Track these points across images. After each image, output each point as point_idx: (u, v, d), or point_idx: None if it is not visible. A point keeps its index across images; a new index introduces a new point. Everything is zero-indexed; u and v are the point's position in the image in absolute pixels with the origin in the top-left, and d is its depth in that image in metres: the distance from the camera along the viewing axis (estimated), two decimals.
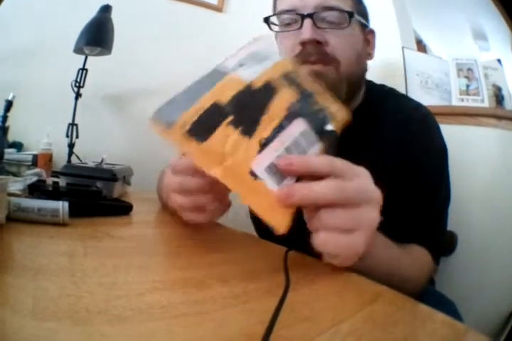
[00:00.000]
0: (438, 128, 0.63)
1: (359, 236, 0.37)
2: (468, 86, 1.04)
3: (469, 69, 1.03)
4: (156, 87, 1.41)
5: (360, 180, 0.37)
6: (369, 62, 0.66)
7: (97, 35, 1.18)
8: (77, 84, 1.23)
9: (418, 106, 0.65)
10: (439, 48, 1.18)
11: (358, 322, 0.31)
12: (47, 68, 1.29)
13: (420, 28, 1.16)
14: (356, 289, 0.39)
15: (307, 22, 0.54)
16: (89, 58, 1.24)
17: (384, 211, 0.39)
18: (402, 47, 1.11)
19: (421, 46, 1.17)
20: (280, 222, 0.35)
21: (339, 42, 0.54)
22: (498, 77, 1.01)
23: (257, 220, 0.77)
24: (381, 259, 0.44)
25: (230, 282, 0.38)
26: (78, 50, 1.20)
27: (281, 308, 0.31)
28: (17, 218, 0.50)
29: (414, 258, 0.53)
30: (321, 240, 0.37)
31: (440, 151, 0.62)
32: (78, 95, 1.24)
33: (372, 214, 0.38)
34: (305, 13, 0.55)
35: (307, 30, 0.53)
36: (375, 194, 0.38)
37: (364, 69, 0.65)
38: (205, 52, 1.45)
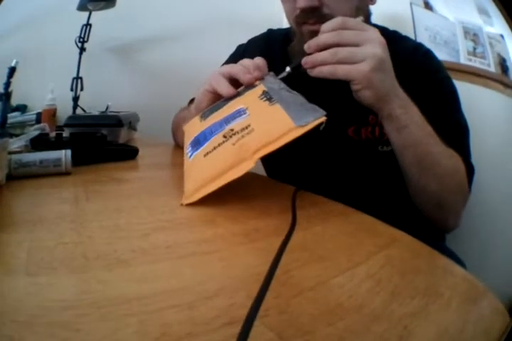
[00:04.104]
0: (441, 62, 0.65)
1: (363, 65, 0.42)
2: (475, 48, 1.04)
3: (475, 35, 1.05)
4: (161, 36, 1.35)
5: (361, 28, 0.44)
6: (377, 18, 0.67)
7: None
8: (81, 40, 1.18)
9: (420, 44, 0.68)
10: (445, 13, 1.18)
11: (375, 266, 0.28)
12: (49, 31, 1.23)
13: None
14: (370, 231, 0.36)
15: None
16: (93, 13, 1.17)
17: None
18: (411, 3, 1.13)
19: (428, 7, 1.20)
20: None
21: (335, 2, 0.56)
22: (502, 49, 1.01)
23: (266, 159, 0.74)
24: (414, 123, 0.47)
25: (239, 219, 0.35)
26: (82, 7, 1.15)
27: (284, 250, 0.28)
28: (19, 175, 0.47)
29: (449, 152, 0.52)
30: (330, 70, 0.43)
31: (448, 77, 0.63)
32: (82, 50, 1.19)
33: (373, 50, 0.43)
34: None
35: None
36: (375, 35, 0.44)
37: (366, 16, 0.65)
38: (208, 1, 1.36)
